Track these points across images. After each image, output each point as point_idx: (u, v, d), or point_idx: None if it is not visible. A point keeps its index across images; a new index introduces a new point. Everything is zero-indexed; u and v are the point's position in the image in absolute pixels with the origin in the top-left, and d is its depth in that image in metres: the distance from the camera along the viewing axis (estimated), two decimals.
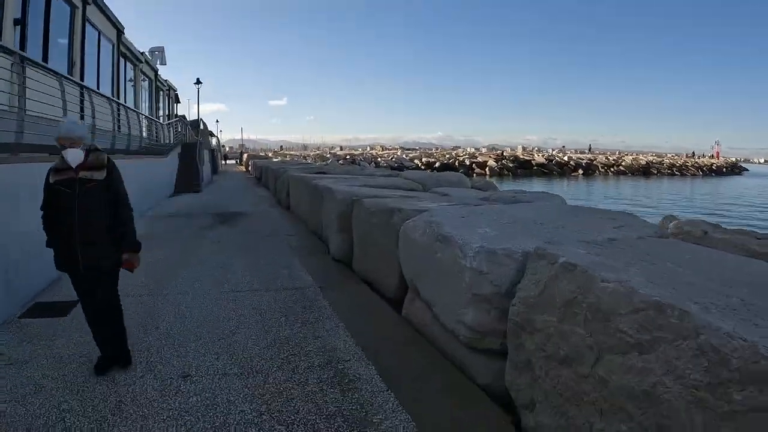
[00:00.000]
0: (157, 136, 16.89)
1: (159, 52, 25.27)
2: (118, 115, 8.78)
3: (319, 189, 7.58)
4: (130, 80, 16.43)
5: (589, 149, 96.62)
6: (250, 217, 9.95)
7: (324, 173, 10.57)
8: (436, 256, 3.68)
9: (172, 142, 18.04)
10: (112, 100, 8.80)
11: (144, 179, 11.09)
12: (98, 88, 12.17)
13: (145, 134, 12.50)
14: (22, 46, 8.05)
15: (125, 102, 14.86)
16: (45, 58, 9.38)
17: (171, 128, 18.67)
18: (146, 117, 13.29)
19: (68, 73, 10.50)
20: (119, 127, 10.41)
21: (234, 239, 7.67)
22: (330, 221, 6.68)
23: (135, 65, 16.73)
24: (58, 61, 10.11)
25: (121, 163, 8.70)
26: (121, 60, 14.56)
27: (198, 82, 27.32)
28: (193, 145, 18.02)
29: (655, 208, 26.22)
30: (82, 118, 7.25)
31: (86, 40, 11.27)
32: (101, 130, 7.95)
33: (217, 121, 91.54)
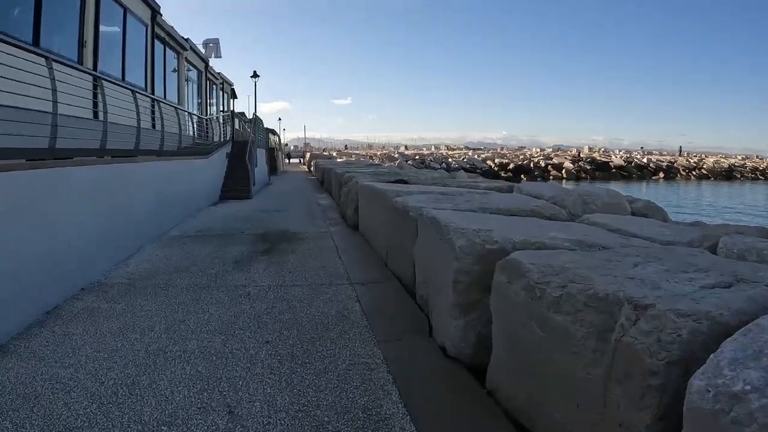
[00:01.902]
0: (205, 134, 14.71)
1: (214, 44, 23.43)
2: (101, 101, 6.16)
3: (410, 216, 4.57)
4: (174, 70, 14.28)
5: (680, 152, 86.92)
6: (304, 243, 7.14)
7: (404, 182, 7.58)
8: None
9: (220, 139, 15.85)
10: (98, 76, 6.24)
11: (169, 187, 8.63)
12: (123, 76, 9.93)
13: (173, 130, 10.02)
14: None
15: (165, 95, 12.70)
16: (36, 36, 7.09)
17: (217, 124, 16.50)
18: (175, 107, 10.85)
19: (77, 56, 8.27)
20: (143, 122, 7.99)
21: (271, 291, 4.83)
22: (439, 280, 3.64)
23: (178, 53, 14.57)
24: (59, 39, 7.84)
25: (128, 168, 6.13)
26: (158, 45, 12.32)
27: (255, 75, 25.28)
28: (244, 144, 15.69)
29: None
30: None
31: (103, 16, 8.95)
32: (74, 118, 5.39)
33: (280, 119, 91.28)
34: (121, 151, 6.39)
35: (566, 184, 47.70)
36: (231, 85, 24.50)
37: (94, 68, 8.56)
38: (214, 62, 21.99)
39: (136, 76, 10.81)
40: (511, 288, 2.74)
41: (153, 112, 9.70)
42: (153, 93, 11.48)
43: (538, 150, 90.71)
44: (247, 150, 14.89)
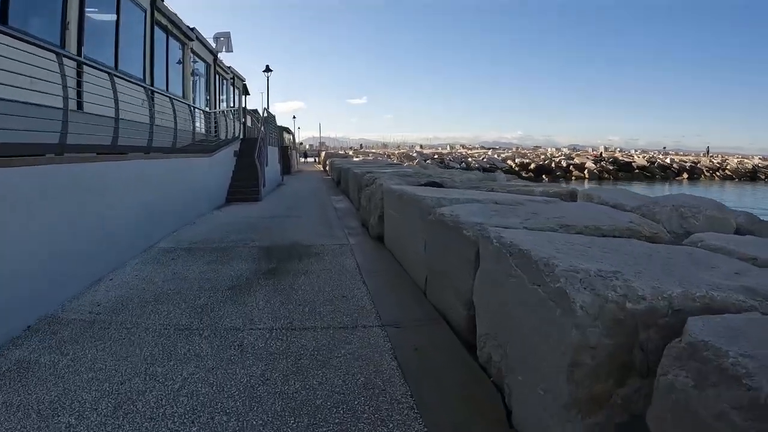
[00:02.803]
0: (213, 130, 13.57)
1: (225, 38, 22.34)
2: (62, 83, 4.91)
3: (464, 234, 3.23)
4: (178, 62, 13.16)
5: (707, 152, 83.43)
6: (318, 261, 5.86)
7: (438, 185, 6.26)
8: None
9: (226, 137, 14.70)
10: (58, 52, 5.02)
11: (162, 189, 7.44)
12: (116, 64, 8.80)
13: (169, 124, 8.81)
14: None
15: (167, 88, 11.57)
16: (4, 11, 5.97)
17: (224, 120, 15.37)
18: (170, 98, 9.63)
19: (59, 39, 7.15)
20: (131, 114, 6.83)
21: (273, 338, 3.55)
22: (532, 351, 2.30)
23: (183, 44, 13.43)
24: (36, 19, 6.72)
25: (101, 168, 4.91)
26: (159, 33, 11.18)
27: (267, 69, 24.22)
28: (254, 142, 14.51)
29: None
30: None
31: None
32: (39, 107, 4.22)
33: (294, 117, 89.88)
34: (90, 147, 5.17)
35: (588, 185, 46.24)
36: (243, 80, 23.37)
37: (78, 53, 7.44)
38: (224, 57, 20.92)
39: (131, 65, 9.67)
40: (704, 398, 1.42)
41: (151, 103, 8.54)
42: (152, 84, 10.35)
43: (555, 150, 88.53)
44: (256, 148, 13.70)
